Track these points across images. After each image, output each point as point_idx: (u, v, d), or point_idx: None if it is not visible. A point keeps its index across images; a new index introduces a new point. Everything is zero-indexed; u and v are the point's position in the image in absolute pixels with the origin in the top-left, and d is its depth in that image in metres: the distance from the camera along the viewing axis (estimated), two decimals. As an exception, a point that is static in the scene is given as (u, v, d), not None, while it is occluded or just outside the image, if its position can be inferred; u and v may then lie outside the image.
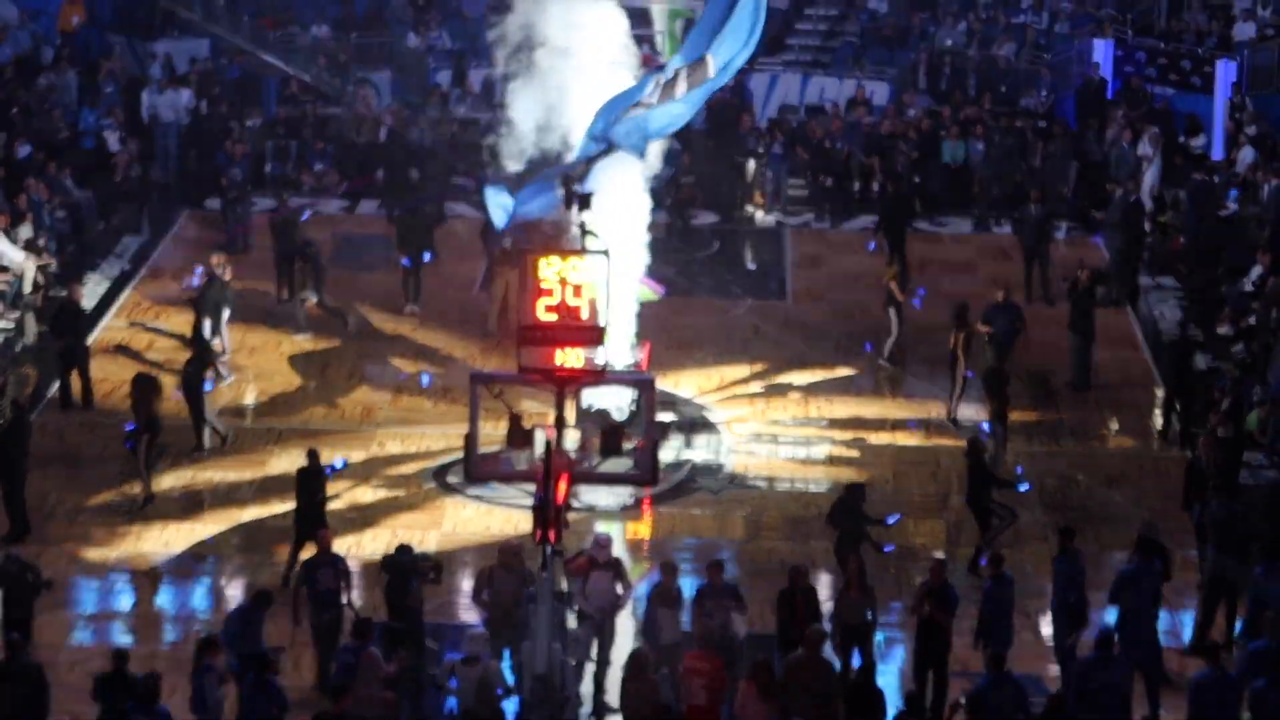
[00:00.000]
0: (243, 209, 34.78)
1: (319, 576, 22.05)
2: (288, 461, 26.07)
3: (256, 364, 30.92)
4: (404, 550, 22.20)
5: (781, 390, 30.59)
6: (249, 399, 29.87)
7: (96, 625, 23.36)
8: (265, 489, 26.28)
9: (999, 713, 19.43)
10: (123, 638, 22.88)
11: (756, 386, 30.69)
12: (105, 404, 29.09)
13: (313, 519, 24.07)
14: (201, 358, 28.35)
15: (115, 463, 27.05)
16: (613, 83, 27.50)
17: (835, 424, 29.52)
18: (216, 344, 30.18)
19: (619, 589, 21.86)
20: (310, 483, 24.45)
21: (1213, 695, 19.71)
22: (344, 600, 22.05)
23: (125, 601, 24.20)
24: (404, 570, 21.96)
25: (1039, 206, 35.02)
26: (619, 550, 25.60)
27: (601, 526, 25.66)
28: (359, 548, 23.72)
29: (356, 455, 27.76)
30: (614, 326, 26.04)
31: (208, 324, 29.87)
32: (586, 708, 21.46)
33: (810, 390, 30.60)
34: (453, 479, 27.12)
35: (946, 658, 21.54)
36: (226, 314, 30.30)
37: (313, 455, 24.71)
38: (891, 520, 24.60)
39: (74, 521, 25.70)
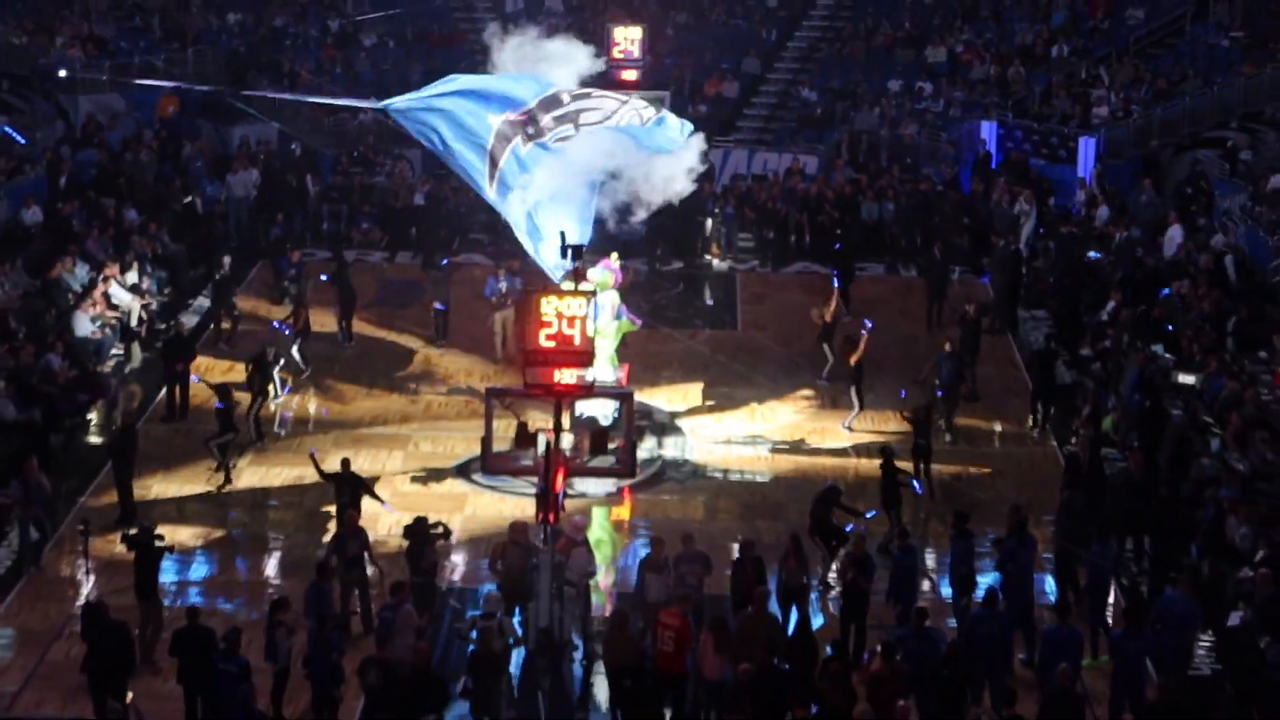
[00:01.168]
0: (297, 267, 34.59)
1: (348, 546, 22.29)
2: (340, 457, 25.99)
3: (318, 383, 30.96)
4: (420, 520, 22.45)
5: (733, 401, 30.62)
6: (312, 409, 29.92)
7: (187, 591, 23.31)
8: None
9: (913, 657, 19.53)
10: (209, 601, 22.90)
11: (714, 398, 30.72)
12: (195, 414, 29.11)
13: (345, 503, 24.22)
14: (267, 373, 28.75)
15: (204, 461, 27.05)
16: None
17: (776, 428, 29.58)
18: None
19: (592, 564, 22.05)
20: (341, 482, 24.47)
21: (1060, 644, 19.90)
22: (366, 562, 22.33)
23: (210, 571, 24.24)
24: (420, 536, 22.22)
25: (940, 254, 35.23)
26: (607, 529, 25.85)
27: (597, 510, 25.84)
28: (398, 526, 23.67)
29: (396, 454, 27.83)
30: (601, 351, 26.21)
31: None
32: (578, 654, 21.56)
33: (756, 401, 30.65)
34: (473, 473, 27.16)
35: (866, 614, 21.65)
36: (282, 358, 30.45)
37: (345, 464, 24.59)
38: (870, 515, 24.70)
39: (170, 507, 25.71)
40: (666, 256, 38.26)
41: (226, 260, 33.81)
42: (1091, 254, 35.97)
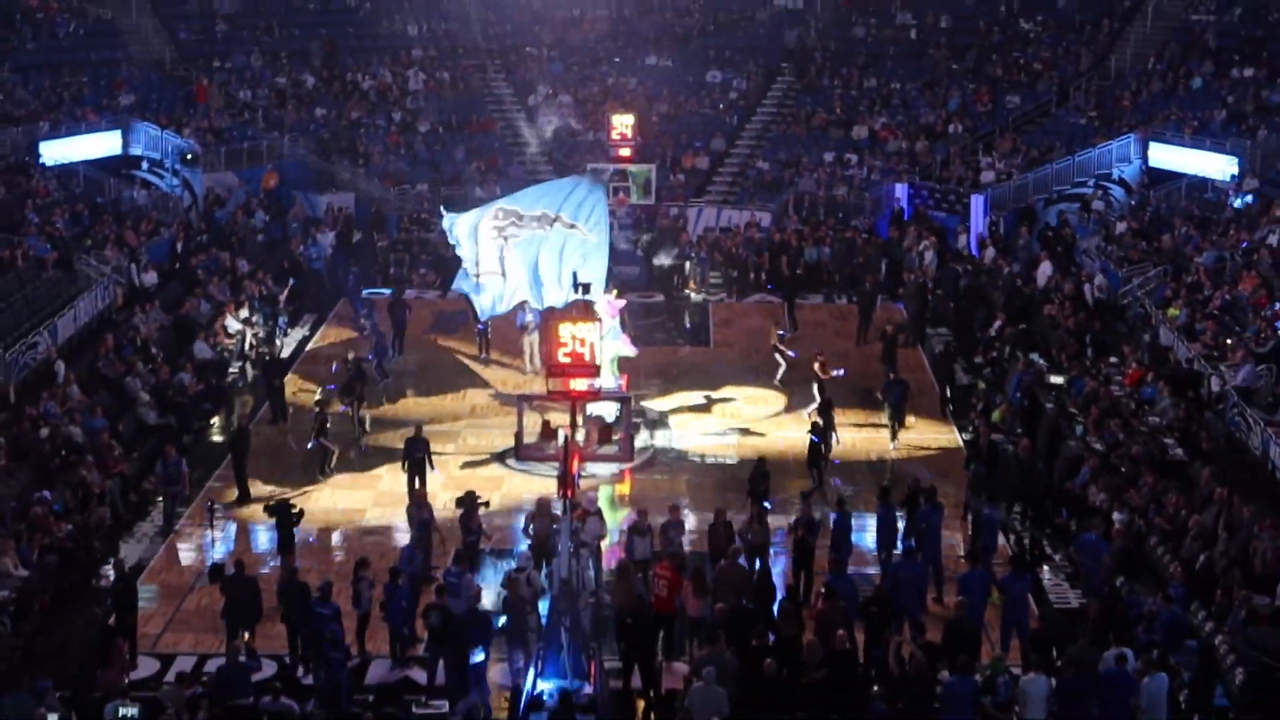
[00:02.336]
0: (368, 309, 34.69)
1: (421, 511, 22.41)
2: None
3: (389, 392, 30.81)
4: (470, 494, 22.56)
5: (709, 402, 30.58)
6: (384, 409, 29.87)
7: (283, 558, 23.17)
8: (394, 463, 26.17)
9: (845, 595, 19.54)
10: (305, 561, 22.83)
11: (693, 400, 30.65)
12: (294, 420, 29.09)
13: (415, 473, 24.48)
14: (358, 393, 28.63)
15: (301, 455, 27.01)
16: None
17: (741, 422, 29.53)
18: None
19: (602, 529, 22.06)
20: (413, 446, 24.84)
21: (973, 585, 19.89)
22: (432, 529, 22.33)
23: (310, 538, 24.09)
24: (469, 506, 22.34)
25: (870, 286, 35.33)
26: (609, 502, 25.81)
27: (604, 488, 25.78)
28: (450, 500, 23.69)
29: (449, 445, 27.70)
30: (605, 365, 26.20)
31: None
32: (591, 599, 21.53)
33: (725, 402, 30.62)
34: (508, 459, 27.13)
35: (812, 564, 21.62)
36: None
37: (418, 427, 25.18)
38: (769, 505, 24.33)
39: (276, 490, 25.67)
40: (677, 288, 38.39)
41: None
42: (964, 281, 36.21)
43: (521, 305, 32.23)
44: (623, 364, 29.10)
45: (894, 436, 28.07)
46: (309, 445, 26.33)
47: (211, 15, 48.96)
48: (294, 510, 22.28)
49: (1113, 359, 30.14)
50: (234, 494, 25.28)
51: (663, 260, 38.96)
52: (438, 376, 32.02)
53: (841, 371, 29.26)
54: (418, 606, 20.05)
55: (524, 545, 22.04)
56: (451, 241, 28.51)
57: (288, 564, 21.20)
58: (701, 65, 49.79)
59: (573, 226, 27.35)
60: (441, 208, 29.91)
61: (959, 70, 48.09)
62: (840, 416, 28.04)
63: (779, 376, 31.08)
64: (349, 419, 28.30)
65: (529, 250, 27.48)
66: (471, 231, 27.77)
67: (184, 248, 37.42)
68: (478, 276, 27.88)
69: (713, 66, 49.71)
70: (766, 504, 23.46)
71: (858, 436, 28.24)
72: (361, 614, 20.06)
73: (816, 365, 28.84)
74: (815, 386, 28.71)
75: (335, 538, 24.27)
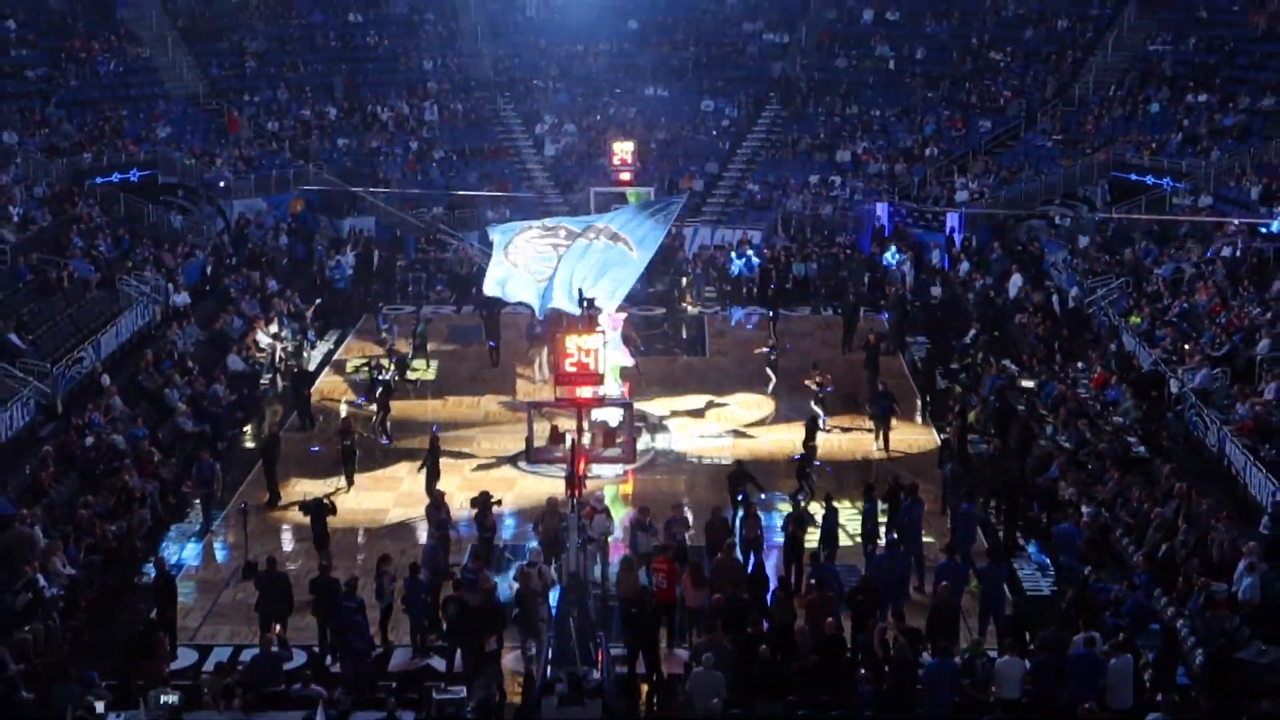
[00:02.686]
0: (389, 320, 34.79)
1: (440, 511, 22.37)
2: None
3: (408, 400, 30.84)
4: (484, 494, 22.53)
5: (705, 407, 30.56)
6: (402, 415, 29.84)
7: (319, 552, 23.16)
8: (414, 463, 26.12)
9: (831, 585, 19.54)
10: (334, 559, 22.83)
11: (690, 405, 30.64)
12: (320, 428, 29.05)
13: (433, 474, 24.51)
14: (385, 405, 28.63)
15: (328, 460, 27.04)
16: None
17: (735, 426, 29.49)
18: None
19: (609, 525, 22.03)
20: (431, 453, 24.90)
21: (948, 576, 19.86)
22: (449, 527, 22.30)
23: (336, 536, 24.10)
24: (483, 505, 22.33)
25: (853, 297, 35.30)
26: (614, 500, 25.77)
27: (608, 488, 25.73)
28: (466, 500, 23.65)
29: (464, 449, 27.74)
30: (609, 374, 26.18)
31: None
32: (597, 590, 21.52)
33: (720, 407, 30.60)
34: (520, 462, 27.09)
35: (803, 557, 21.60)
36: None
37: (434, 434, 25.28)
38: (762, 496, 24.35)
39: (305, 493, 25.60)
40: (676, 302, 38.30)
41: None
42: (934, 290, 36.14)
43: (532, 318, 32.32)
44: (625, 373, 29.09)
45: (880, 441, 27.91)
46: (319, 448, 26.30)
47: (241, 53, 49.06)
48: (327, 507, 22.28)
49: (1079, 364, 30.16)
50: (265, 497, 25.25)
51: (661, 276, 38.90)
52: (454, 385, 32.01)
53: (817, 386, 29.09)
54: (438, 599, 20.06)
55: (535, 542, 22.01)
56: (493, 235, 28.66)
57: (323, 559, 21.18)
58: (696, 95, 49.89)
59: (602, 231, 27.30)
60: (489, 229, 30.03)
61: (934, 98, 48.13)
62: (828, 420, 28.07)
63: (770, 389, 31.06)
64: (373, 427, 28.25)
65: (556, 261, 27.44)
66: (509, 235, 27.76)
67: (215, 269, 37.48)
68: (506, 255, 27.75)
69: (706, 96, 49.80)
70: (761, 495, 23.64)
71: (844, 439, 28.22)
72: (384, 607, 20.03)
73: (813, 383, 28.77)
74: (812, 402, 28.65)
75: (359, 536, 24.26)
